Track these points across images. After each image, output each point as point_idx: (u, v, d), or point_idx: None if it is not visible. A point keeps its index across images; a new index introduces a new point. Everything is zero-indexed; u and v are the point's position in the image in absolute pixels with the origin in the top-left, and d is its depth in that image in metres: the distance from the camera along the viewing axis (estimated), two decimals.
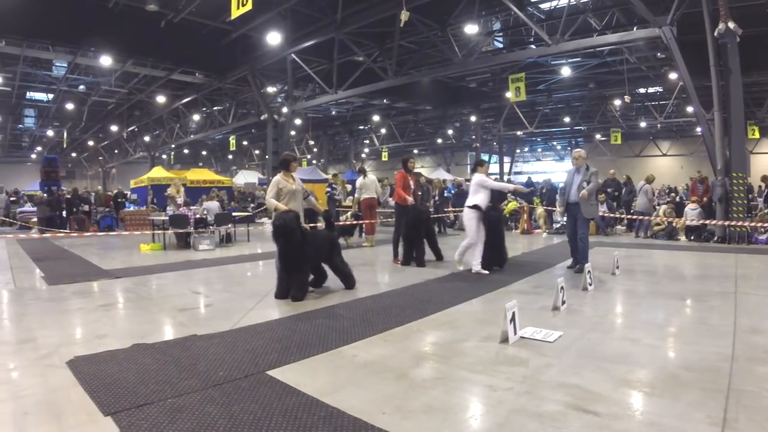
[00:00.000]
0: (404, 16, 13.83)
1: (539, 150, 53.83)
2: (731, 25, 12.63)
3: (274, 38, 19.30)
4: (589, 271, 7.56)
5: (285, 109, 24.73)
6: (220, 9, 17.43)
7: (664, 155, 42.20)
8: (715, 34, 12.92)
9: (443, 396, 3.76)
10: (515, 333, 5.04)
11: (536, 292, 7.41)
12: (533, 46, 21.21)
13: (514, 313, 5.03)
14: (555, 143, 50.64)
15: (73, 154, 53.13)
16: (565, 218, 11.65)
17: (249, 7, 13.33)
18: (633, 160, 42.63)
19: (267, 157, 27.11)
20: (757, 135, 31.47)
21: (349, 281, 7.85)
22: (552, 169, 51.08)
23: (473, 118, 35.56)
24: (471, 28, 19.62)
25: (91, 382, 4.01)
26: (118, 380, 4.03)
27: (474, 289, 7.59)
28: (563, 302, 6.31)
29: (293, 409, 3.50)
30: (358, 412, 3.44)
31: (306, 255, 7.17)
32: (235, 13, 13.83)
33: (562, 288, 6.32)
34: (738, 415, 3.32)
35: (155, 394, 3.74)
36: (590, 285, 7.47)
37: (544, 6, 20.39)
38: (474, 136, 37.60)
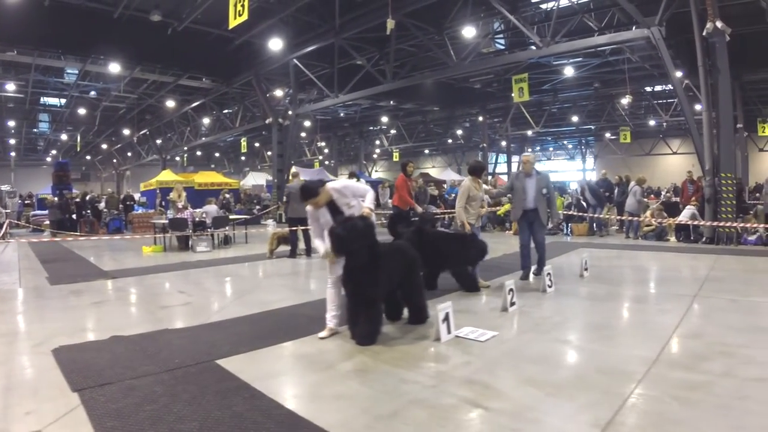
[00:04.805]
0: (390, 24, 14.61)
1: (550, 149, 53.87)
2: (719, 24, 12.69)
3: (275, 44, 20.00)
4: (548, 274, 7.78)
5: (290, 112, 25.43)
6: (223, 17, 17.79)
7: (675, 153, 42.26)
8: (704, 33, 12.99)
9: (357, 386, 4.24)
10: (449, 332, 5.35)
11: (496, 294, 7.43)
12: (534, 47, 21.31)
13: (447, 313, 5.38)
14: (566, 142, 50.64)
15: (88, 157, 54.35)
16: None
17: (245, 17, 13.99)
18: (643, 158, 42.84)
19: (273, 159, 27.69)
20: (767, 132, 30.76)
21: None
22: (564, 168, 51.50)
23: (481, 118, 35.82)
24: (469, 31, 19.80)
25: (68, 366, 4.71)
26: (90, 365, 4.73)
27: (435, 290, 7.78)
28: (512, 304, 6.61)
29: (225, 390, 4.12)
30: (274, 395, 4.05)
31: None
32: (233, 22, 14.51)
33: (511, 290, 6.64)
34: (626, 419, 3.48)
35: (117, 376, 4.42)
36: (550, 287, 7.68)
37: (545, 6, 20.21)
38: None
